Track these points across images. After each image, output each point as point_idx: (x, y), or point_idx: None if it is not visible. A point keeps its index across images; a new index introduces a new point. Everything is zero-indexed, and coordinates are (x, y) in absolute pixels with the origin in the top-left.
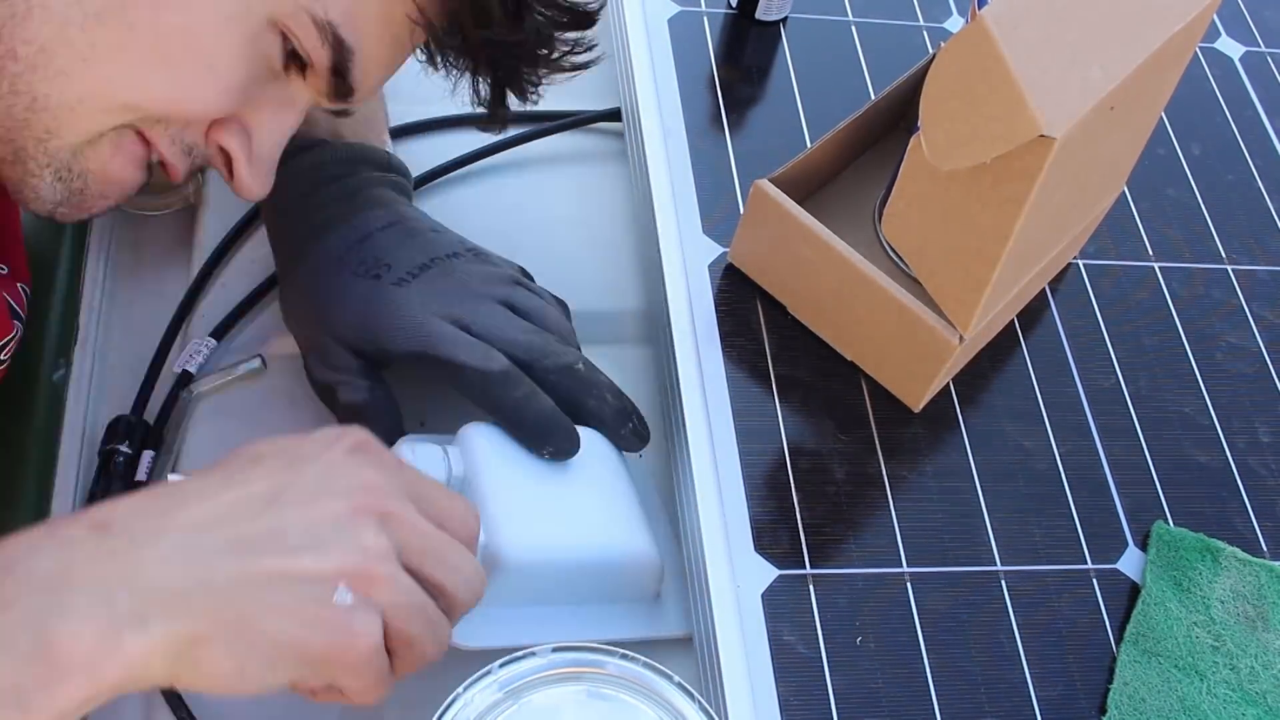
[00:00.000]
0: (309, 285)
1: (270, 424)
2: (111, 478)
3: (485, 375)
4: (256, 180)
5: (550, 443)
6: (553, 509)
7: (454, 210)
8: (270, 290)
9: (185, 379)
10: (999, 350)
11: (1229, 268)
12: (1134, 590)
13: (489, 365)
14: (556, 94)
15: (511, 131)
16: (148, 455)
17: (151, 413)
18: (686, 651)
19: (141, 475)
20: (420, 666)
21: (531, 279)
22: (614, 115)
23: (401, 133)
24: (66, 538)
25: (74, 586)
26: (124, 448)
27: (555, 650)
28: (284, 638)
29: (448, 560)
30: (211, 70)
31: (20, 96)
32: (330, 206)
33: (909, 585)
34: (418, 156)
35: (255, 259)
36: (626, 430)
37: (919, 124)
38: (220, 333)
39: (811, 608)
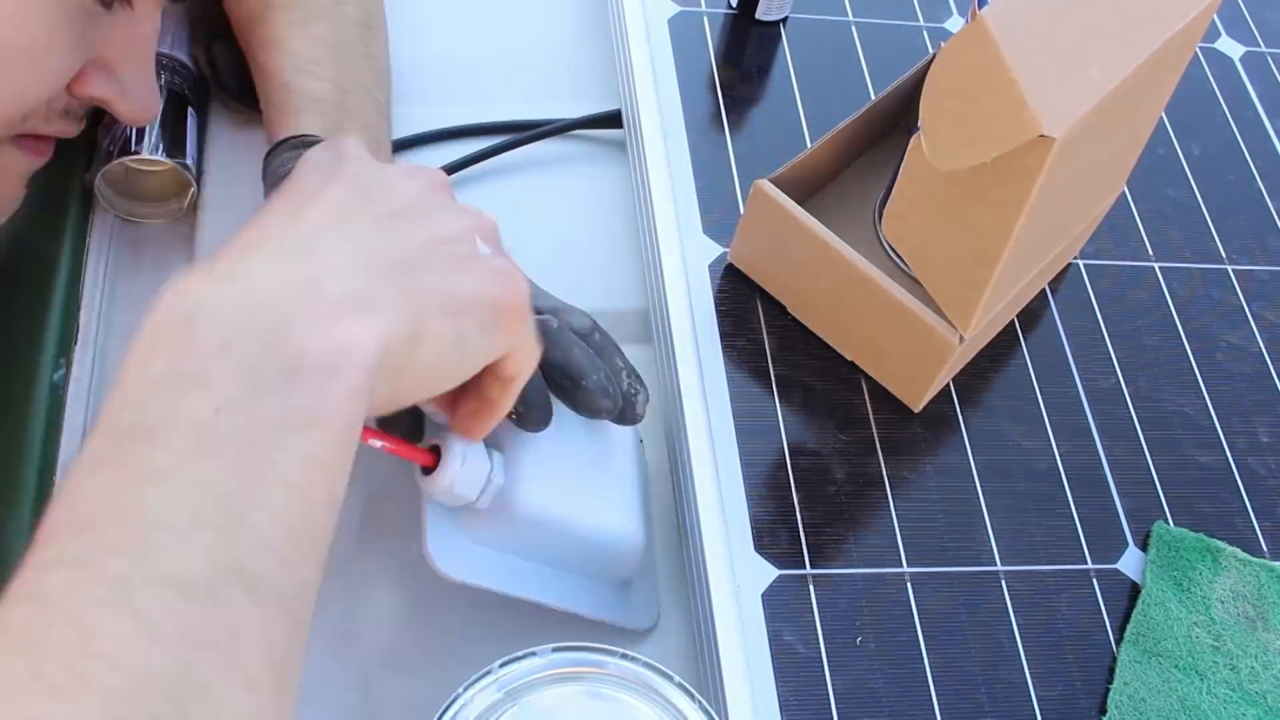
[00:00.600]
0: None
1: None
2: None
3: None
4: (138, 106)
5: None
6: (570, 474)
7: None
8: None
9: None
10: (999, 350)
11: (1229, 268)
12: (1134, 590)
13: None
14: (557, 95)
15: (511, 136)
16: None
17: None
18: (687, 651)
19: None
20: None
21: None
22: (613, 119)
23: (400, 146)
24: (220, 271)
25: (278, 298)
26: None
27: (555, 650)
28: (473, 292)
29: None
30: (33, 56)
31: None
32: None
33: (909, 585)
34: (418, 160)
35: None
36: (611, 404)
37: (919, 124)
38: None
39: (811, 608)
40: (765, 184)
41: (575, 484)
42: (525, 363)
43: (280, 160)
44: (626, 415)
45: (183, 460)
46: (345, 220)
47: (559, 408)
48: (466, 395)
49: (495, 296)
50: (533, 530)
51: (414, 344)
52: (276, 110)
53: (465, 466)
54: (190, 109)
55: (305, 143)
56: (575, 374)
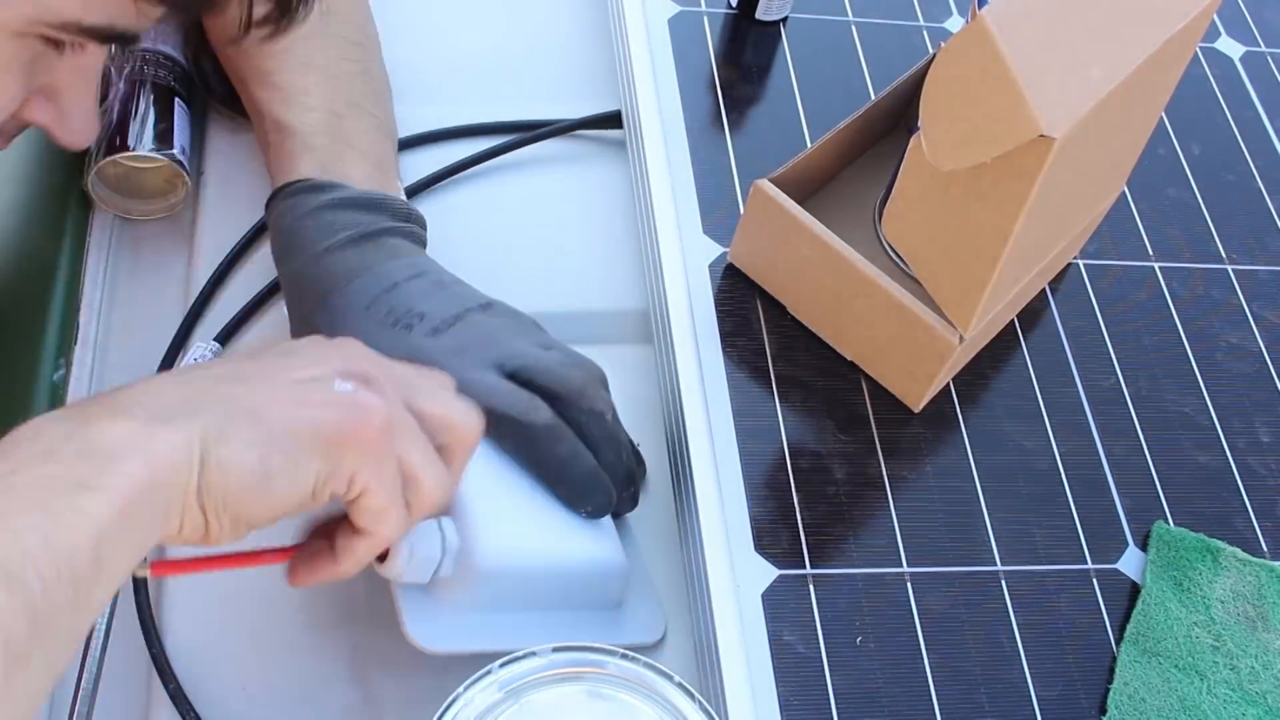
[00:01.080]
0: (332, 335)
1: None
2: None
3: (530, 428)
4: (76, 134)
5: (590, 501)
6: (525, 516)
7: (455, 213)
8: (274, 294)
9: None
10: (999, 350)
11: (1229, 268)
12: (1134, 590)
13: (534, 418)
14: (557, 95)
15: (511, 137)
16: None
17: None
18: (687, 651)
19: None
20: (429, 508)
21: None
22: (613, 119)
23: (402, 146)
24: (77, 407)
25: (96, 416)
26: None
27: (555, 650)
28: (297, 422)
29: (438, 397)
30: None
31: None
32: (352, 254)
33: (909, 585)
34: (418, 163)
35: (257, 261)
36: (626, 493)
37: (919, 124)
38: (225, 337)
39: (811, 608)
40: (765, 184)
41: (534, 524)
42: (374, 511)
43: (279, 211)
44: (620, 509)
45: None
46: (210, 369)
47: (481, 452)
48: (314, 536)
49: (320, 423)
50: (503, 582)
51: (214, 452)
52: (272, 153)
53: (413, 552)
54: (178, 100)
55: (304, 188)
56: (576, 494)
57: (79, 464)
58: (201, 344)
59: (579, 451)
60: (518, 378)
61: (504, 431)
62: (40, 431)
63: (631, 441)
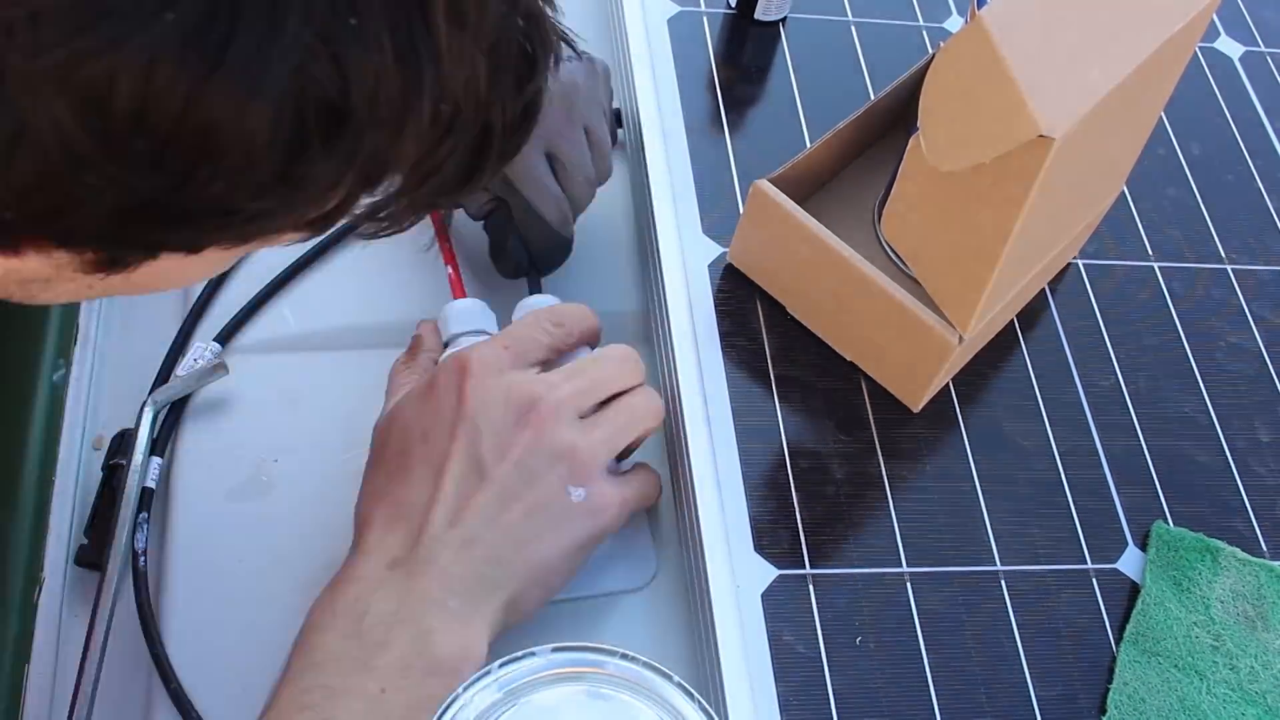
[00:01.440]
0: None
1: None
2: (115, 492)
3: (554, 235)
4: None
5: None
6: None
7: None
8: (274, 294)
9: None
10: (999, 350)
11: (1229, 268)
12: (1134, 590)
13: (564, 231)
14: None
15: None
16: (155, 462)
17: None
18: (687, 651)
19: (150, 482)
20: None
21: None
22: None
23: None
24: (378, 579)
25: (421, 613)
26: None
27: (555, 650)
28: (564, 551)
29: (604, 384)
30: None
31: None
32: None
33: (909, 585)
34: None
35: (257, 261)
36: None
37: (918, 124)
38: (225, 338)
39: (811, 608)
40: (764, 184)
41: None
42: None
43: None
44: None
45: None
46: (460, 516)
47: None
48: None
49: (580, 540)
50: None
51: (515, 610)
52: None
53: None
54: None
55: None
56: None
57: (430, 682)
58: (201, 344)
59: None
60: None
61: (528, 219)
62: (387, 643)
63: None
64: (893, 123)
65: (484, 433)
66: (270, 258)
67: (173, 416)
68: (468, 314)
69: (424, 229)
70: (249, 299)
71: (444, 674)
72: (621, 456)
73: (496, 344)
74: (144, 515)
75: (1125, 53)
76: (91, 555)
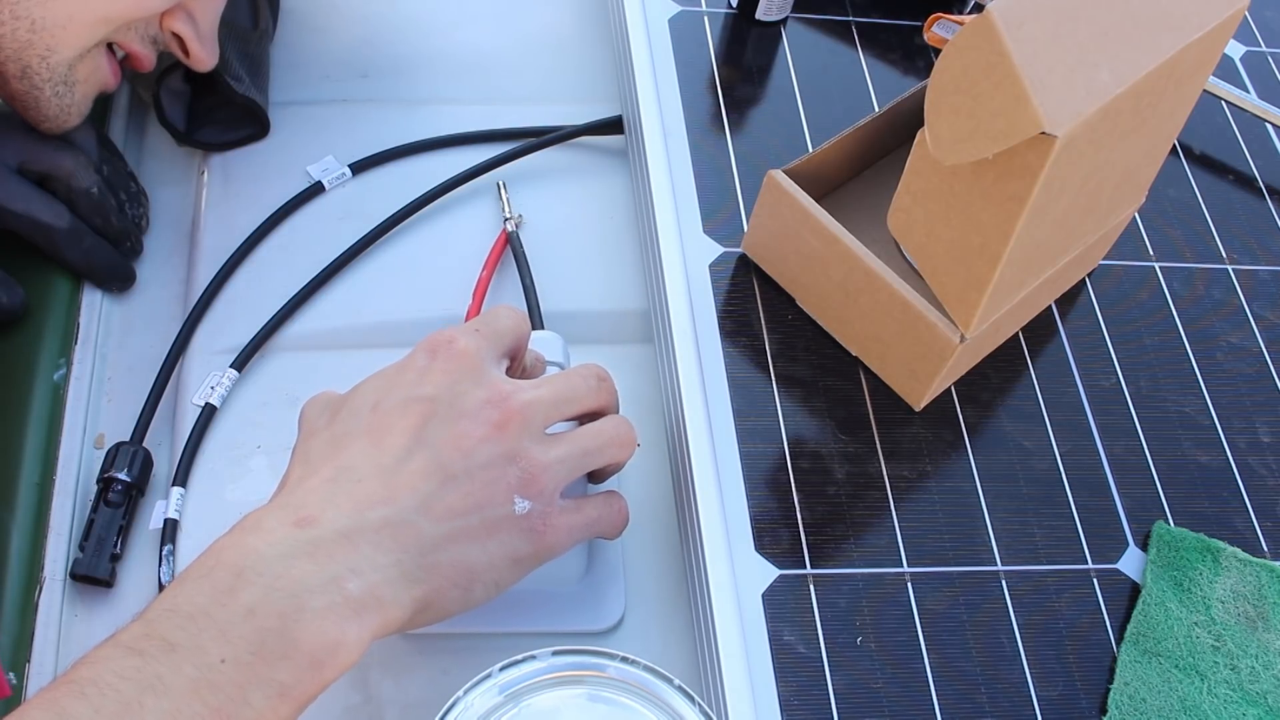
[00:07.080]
0: None
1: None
2: (112, 508)
3: (55, 232)
4: (207, 52)
5: (114, 284)
6: None
7: (456, 215)
8: (288, 317)
9: (209, 412)
10: (1000, 350)
11: (1229, 268)
12: (1134, 590)
13: (58, 222)
14: (557, 95)
15: (517, 144)
16: (176, 492)
17: (153, 438)
18: (687, 651)
19: (173, 513)
20: (617, 469)
21: None
22: (614, 124)
23: (408, 152)
24: (280, 536)
25: (306, 588)
26: (122, 475)
27: (555, 653)
28: (492, 559)
29: (576, 399)
30: None
31: (21, 21)
32: None
33: (909, 585)
34: (422, 168)
35: (258, 261)
36: (126, 246)
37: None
38: (241, 363)
39: (811, 608)
40: (777, 174)
41: None
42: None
43: None
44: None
45: (183, 688)
46: (395, 494)
47: None
48: None
49: (515, 554)
50: None
51: (427, 610)
52: None
53: None
54: None
55: None
56: (103, 280)
57: (279, 667)
58: (218, 373)
59: (98, 245)
60: (26, 173)
61: (23, 231)
62: (254, 610)
63: (128, 186)
64: (919, 125)
65: (442, 417)
66: (276, 270)
67: (191, 444)
68: (546, 345)
69: (442, 240)
70: (249, 301)
71: (298, 664)
72: (595, 479)
73: (478, 333)
74: (168, 548)
75: (1139, 56)
76: (87, 570)
